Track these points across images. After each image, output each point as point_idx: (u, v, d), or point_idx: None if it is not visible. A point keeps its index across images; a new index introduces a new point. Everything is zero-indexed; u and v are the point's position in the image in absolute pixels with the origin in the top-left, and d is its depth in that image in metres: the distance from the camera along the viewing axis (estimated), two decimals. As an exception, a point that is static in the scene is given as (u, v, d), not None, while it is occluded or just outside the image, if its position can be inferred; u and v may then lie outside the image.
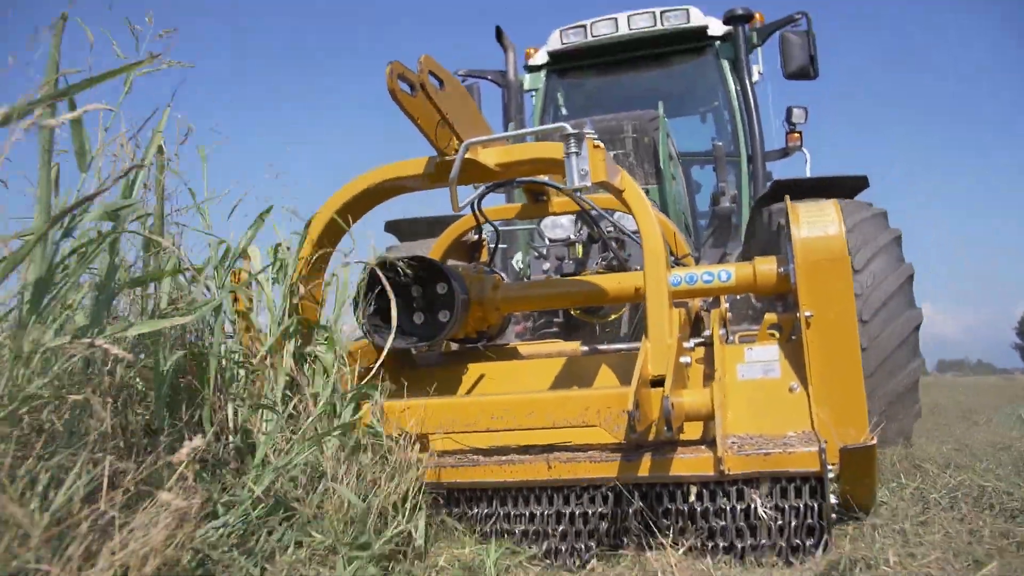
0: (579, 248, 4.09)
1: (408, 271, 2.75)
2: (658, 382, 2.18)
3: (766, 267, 2.77)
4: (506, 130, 6.12)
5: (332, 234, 2.72)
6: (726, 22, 6.52)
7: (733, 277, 2.78)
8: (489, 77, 6.96)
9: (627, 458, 2.21)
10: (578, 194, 3.03)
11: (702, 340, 2.85)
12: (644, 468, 2.18)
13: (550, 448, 2.39)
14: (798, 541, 2.12)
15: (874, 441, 2.19)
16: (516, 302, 3.25)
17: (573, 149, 2.23)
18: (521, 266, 5.34)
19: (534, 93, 6.95)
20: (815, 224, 2.51)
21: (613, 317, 4.16)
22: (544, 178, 3.07)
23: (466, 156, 2.45)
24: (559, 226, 4.25)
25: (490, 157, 2.54)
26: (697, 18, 6.47)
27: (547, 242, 4.19)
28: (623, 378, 2.88)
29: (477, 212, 3.25)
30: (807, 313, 2.44)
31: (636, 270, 3.83)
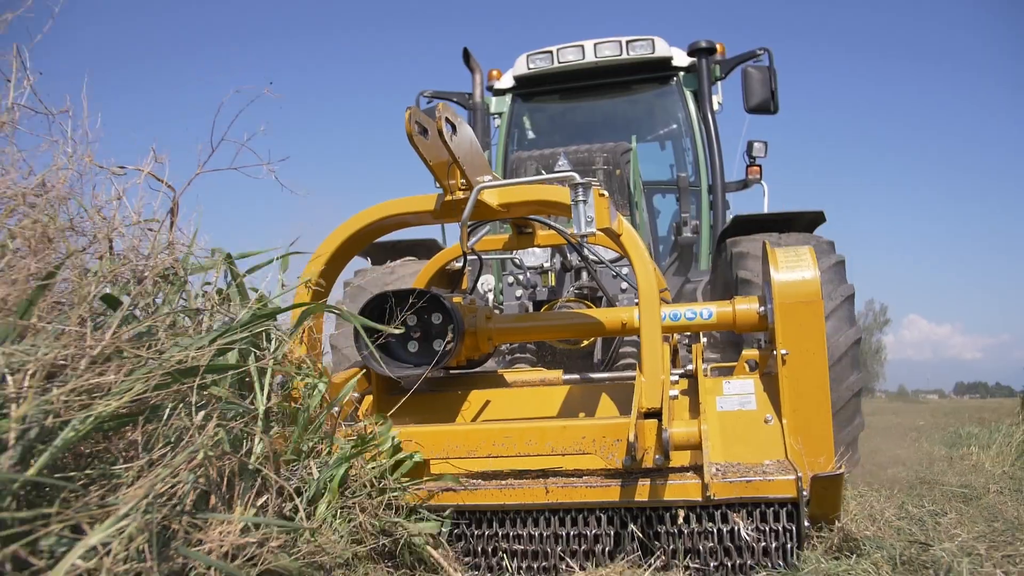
0: (552, 276, 4.27)
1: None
2: (651, 414, 2.37)
3: (745, 307, 2.96)
4: None
5: (335, 265, 2.84)
6: (690, 54, 6.65)
7: (714, 315, 2.96)
8: (455, 99, 7.04)
9: (624, 484, 2.38)
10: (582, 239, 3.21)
11: (684, 373, 3.03)
12: (641, 493, 2.35)
13: (545, 473, 2.54)
14: (772, 558, 2.32)
15: (842, 470, 2.40)
16: (508, 333, 3.39)
17: (580, 197, 2.37)
18: (487, 289, 5.45)
19: (498, 116, 7.04)
20: (792, 268, 2.69)
21: (585, 344, 4.34)
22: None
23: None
24: (533, 254, 4.41)
25: (493, 197, 2.69)
26: (662, 49, 6.59)
27: (526, 270, 4.35)
28: (606, 406, 3.04)
29: (470, 248, 3.39)
30: (783, 351, 2.63)
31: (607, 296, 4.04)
